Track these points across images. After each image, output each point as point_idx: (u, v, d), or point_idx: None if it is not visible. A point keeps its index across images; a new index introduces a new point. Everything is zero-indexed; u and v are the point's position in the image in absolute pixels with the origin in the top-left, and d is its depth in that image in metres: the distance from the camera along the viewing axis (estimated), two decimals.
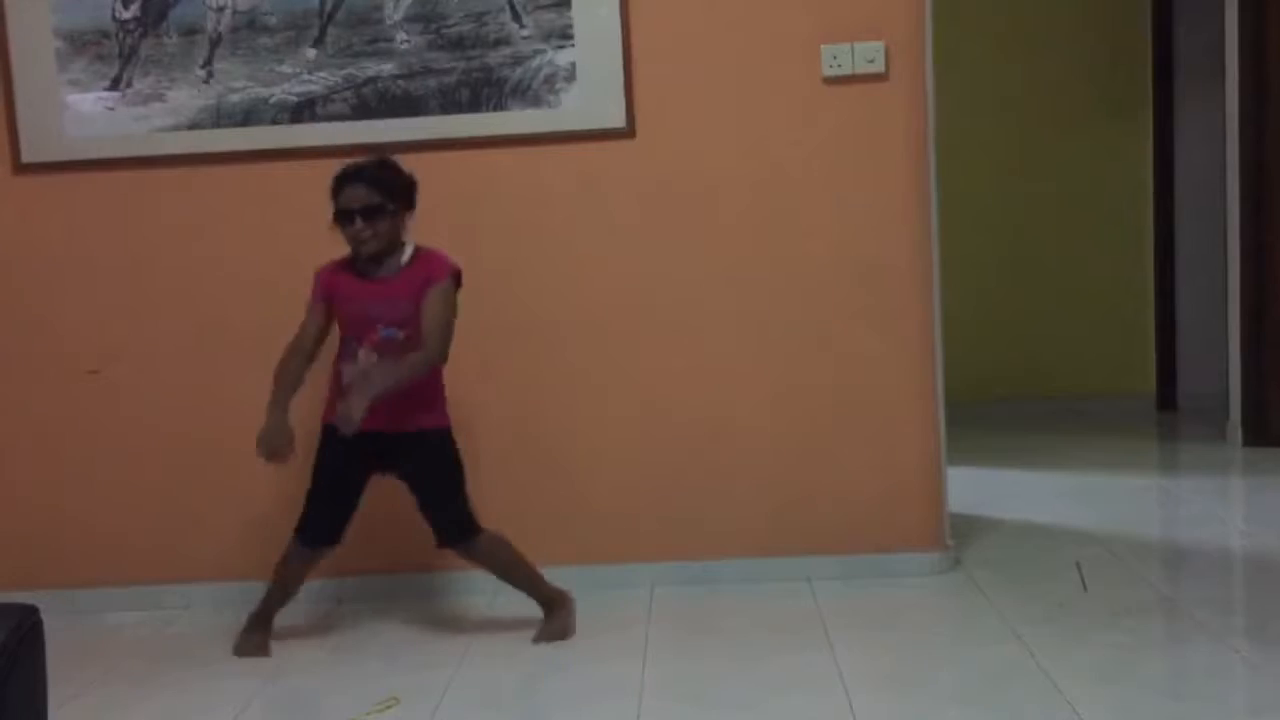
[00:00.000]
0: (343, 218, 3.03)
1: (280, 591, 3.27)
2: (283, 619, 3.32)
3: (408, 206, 3.09)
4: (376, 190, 3.02)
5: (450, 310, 3.09)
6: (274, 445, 3.05)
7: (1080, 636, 3.02)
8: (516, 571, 3.23)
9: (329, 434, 3.11)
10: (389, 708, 2.81)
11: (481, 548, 3.17)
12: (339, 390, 3.10)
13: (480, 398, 3.57)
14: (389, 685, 2.94)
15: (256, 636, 3.24)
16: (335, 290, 3.14)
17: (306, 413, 3.19)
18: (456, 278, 3.12)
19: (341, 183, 3.04)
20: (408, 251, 3.10)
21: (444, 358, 3.10)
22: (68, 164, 3.56)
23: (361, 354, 3.08)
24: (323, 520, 3.17)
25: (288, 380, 3.11)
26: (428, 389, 3.13)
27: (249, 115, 3.53)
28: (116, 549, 3.68)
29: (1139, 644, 2.98)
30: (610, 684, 2.87)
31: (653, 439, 3.59)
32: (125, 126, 3.55)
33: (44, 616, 1.72)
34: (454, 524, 3.15)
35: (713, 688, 2.83)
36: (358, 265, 3.11)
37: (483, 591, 3.52)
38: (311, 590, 3.61)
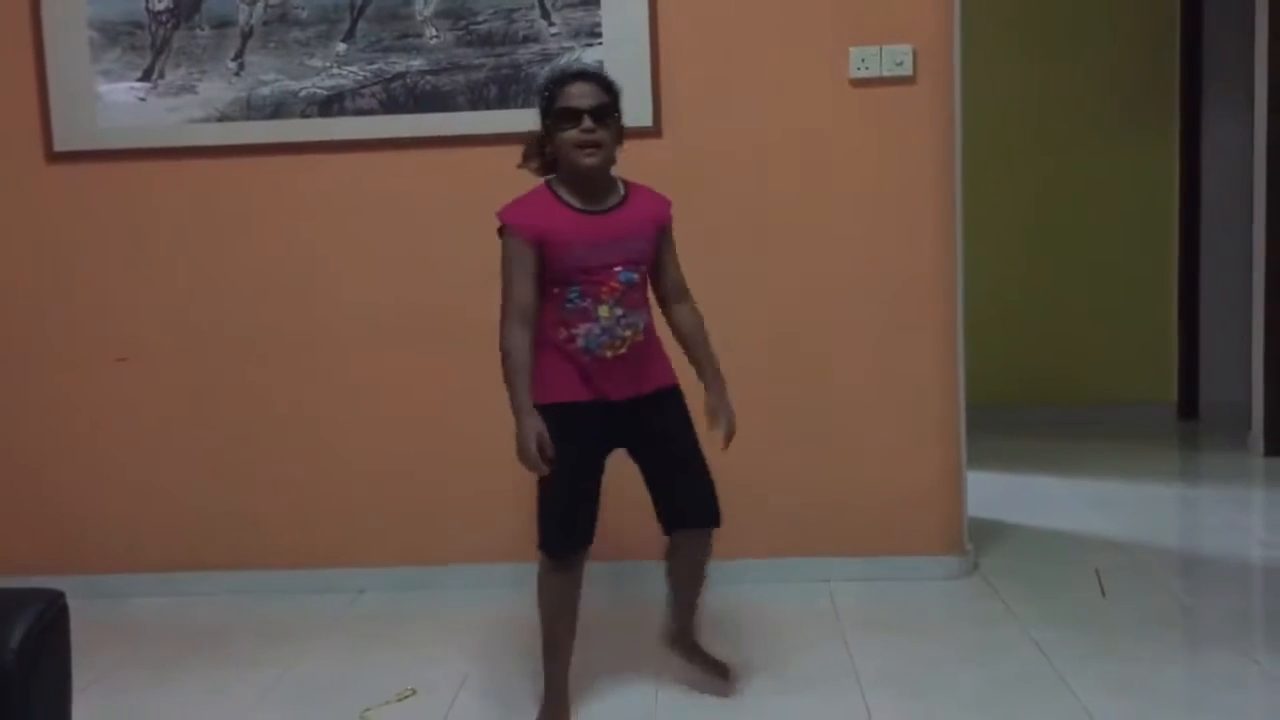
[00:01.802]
0: (564, 117, 2.48)
1: (567, 636, 2.64)
2: (305, 609, 3.34)
3: (622, 134, 2.59)
4: (608, 93, 2.53)
5: None
6: (541, 453, 2.46)
7: (1098, 644, 3.01)
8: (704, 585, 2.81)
9: (571, 416, 2.53)
10: (406, 698, 2.83)
11: (711, 538, 2.71)
12: (570, 364, 2.54)
13: (503, 400, 3.58)
14: (406, 677, 2.96)
15: (558, 713, 2.65)
16: (550, 228, 2.51)
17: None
18: None
19: (563, 80, 2.53)
20: (620, 185, 2.62)
21: None
22: (99, 153, 3.60)
23: (603, 310, 2.51)
24: (586, 516, 2.60)
25: (527, 365, 2.52)
26: (658, 339, 2.66)
27: (279, 108, 3.55)
28: (141, 536, 3.71)
29: (1157, 653, 2.97)
30: (627, 679, 2.88)
31: None
32: (156, 117, 3.58)
33: (69, 601, 1.74)
34: (711, 498, 2.65)
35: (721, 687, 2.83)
36: (565, 197, 2.55)
37: (501, 585, 3.54)
38: (332, 580, 3.65)
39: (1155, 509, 4.43)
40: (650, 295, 2.66)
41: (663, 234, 2.64)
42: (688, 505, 2.65)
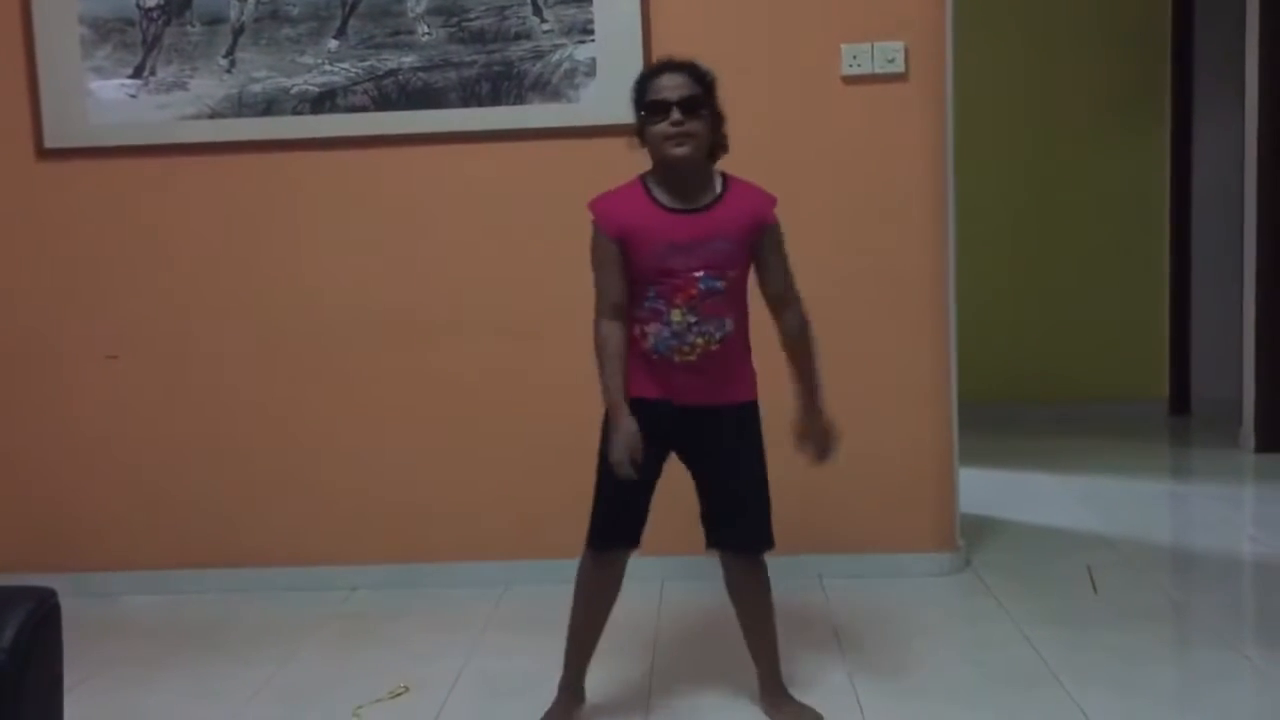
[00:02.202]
0: (653, 110, 2.42)
1: (592, 631, 2.64)
2: (297, 606, 3.34)
3: (719, 124, 2.51)
4: (699, 84, 2.45)
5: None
6: (635, 449, 2.41)
7: (1090, 640, 3.02)
8: (774, 622, 2.67)
9: (633, 412, 2.45)
10: (399, 695, 2.83)
11: (764, 571, 2.61)
12: (642, 360, 2.48)
13: (494, 397, 3.59)
14: (399, 674, 2.96)
15: (565, 712, 2.64)
16: (631, 224, 2.44)
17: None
18: None
19: (655, 73, 2.47)
20: (719, 180, 2.51)
21: None
22: (90, 150, 3.59)
23: (676, 315, 2.43)
24: (633, 515, 2.55)
25: (620, 356, 2.44)
26: (748, 349, 2.55)
27: (270, 105, 3.54)
28: (132, 534, 3.71)
29: (1149, 649, 2.98)
30: (618, 678, 2.88)
31: None
32: (147, 114, 3.57)
33: (60, 599, 1.74)
34: (751, 527, 2.56)
35: (721, 685, 2.84)
36: (655, 193, 2.47)
37: (494, 583, 3.54)
38: (325, 578, 3.64)
39: (1147, 505, 4.44)
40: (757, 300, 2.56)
41: (763, 234, 2.51)
42: (725, 528, 2.57)
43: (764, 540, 2.58)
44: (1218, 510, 4.36)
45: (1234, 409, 5.26)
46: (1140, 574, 3.57)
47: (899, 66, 3.45)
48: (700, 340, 2.44)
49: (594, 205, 2.48)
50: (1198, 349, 5.97)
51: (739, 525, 2.56)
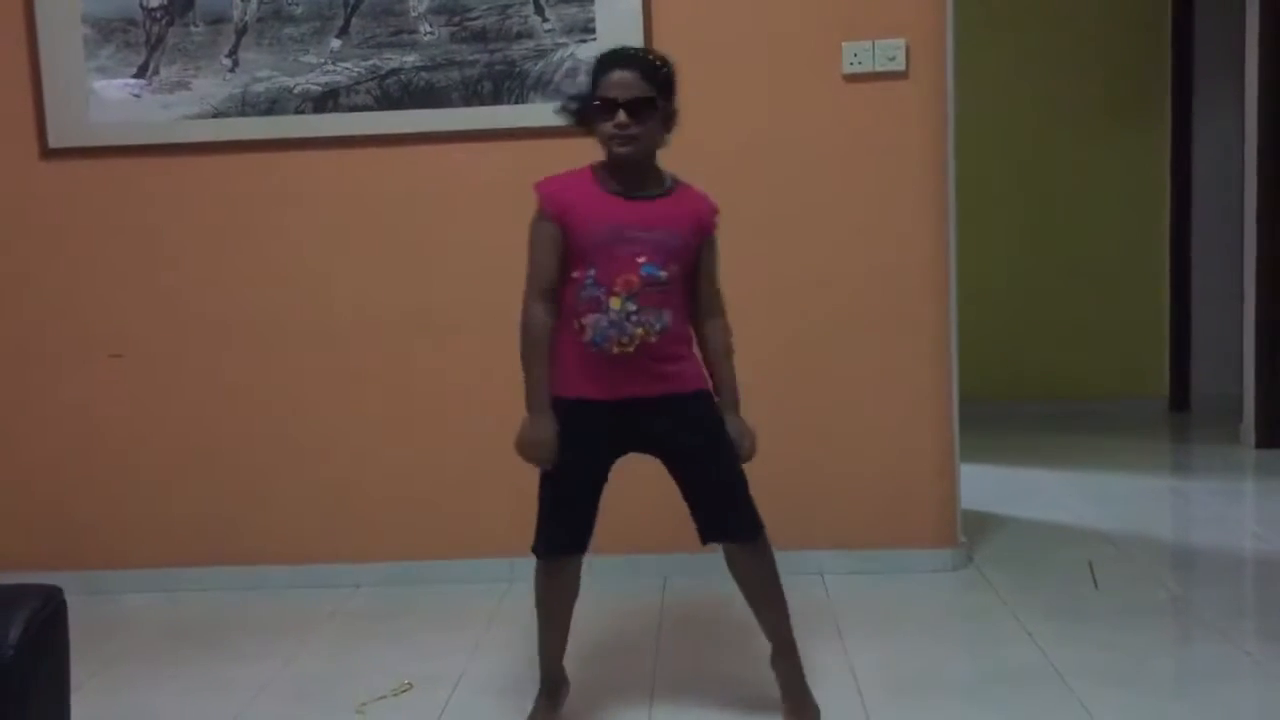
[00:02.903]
0: (600, 108, 2.40)
1: (557, 633, 2.61)
2: (301, 604, 3.34)
3: (670, 119, 2.48)
4: (650, 82, 2.40)
5: None
6: (546, 455, 2.44)
7: (1092, 636, 3.03)
8: (784, 598, 2.63)
9: (571, 413, 2.45)
10: (402, 693, 2.84)
11: (769, 551, 2.57)
12: (580, 357, 2.43)
13: (497, 395, 3.60)
14: (403, 671, 2.96)
15: (550, 704, 2.64)
16: (575, 208, 2.42)
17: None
18: None
19: (609, 64, 2.43)
20: (667, 179, 2.52)
21: None
22: (94, 150, 3.59)
23: (614, 303, 2.39)
24: (581, 519, 2.53)
25: (542, 344, 2.43)
26: (686, 347, 2.52)
27: (273, 105, 3.55)
28: (138, 532, 3.72)
29: (1150, 644, 2.99)
30: (622, 677, 2.89)
31: None
32: (151, 114, 3.58)
33: (67, 597, 1.75)
34: (743, 511, 2.53)
35: (723, 682, 2.85)
36: (602, 180, 2.46)
37: (497, 580, 3.55)
38: (329, 575, 3.66)
39: (1148, 501, 4.45)
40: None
41: (703, 239, 2.51)
42: (712, 517, 2.52)
43: (750, 526, 2.53)
44: (1218, 506, 4.37)
45: (1234, 405, 5.26)
46: (1141, 569, 3.58)
47: (900, 64, 3.46)
48: (639, 331, 2.40)
49: (539, 186, 2.47)
50: (1198, 345, 5.98)
51: (723, 517, 2.53)
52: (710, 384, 2.54)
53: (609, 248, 2.39)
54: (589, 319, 2.40)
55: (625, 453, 2.52)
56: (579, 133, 3.44)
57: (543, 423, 2.42)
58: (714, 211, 2.54)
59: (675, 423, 2.48)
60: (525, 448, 2.44)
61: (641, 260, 2.39)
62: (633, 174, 2.45)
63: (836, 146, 3.52)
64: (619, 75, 2.39)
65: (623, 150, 2.40)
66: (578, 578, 2.58)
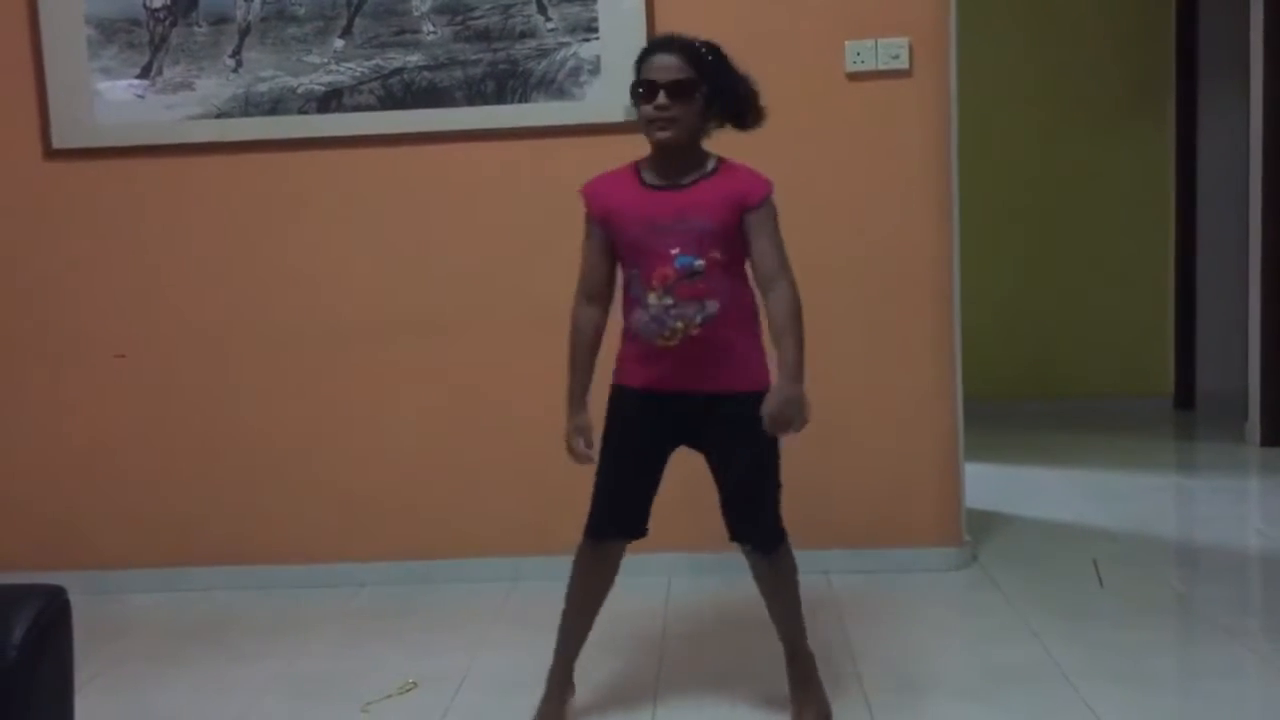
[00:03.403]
0: (641, 90, 2.41)
1: (580, 626, 2.61)
2: (306, 603, 3.34)
3: (723, 105, 2.46)
4: (692, 65, 2.40)
5: (781, 239, 2.46)
6: (579, 449, 2.52)
7: (1096, 634, 3.03)
8: (798, 607, 2.64)
9: (623, 399, 2.51)
10: (407, 691, 2.84)
11: (787, 561, 2.60)
12: (636, 349, 2.47)
13: (501, 395, 3.60)
14: (408, 670, 2.97)
15: (556, 704, 2.61)
16: (613, 204, 2.46)
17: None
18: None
19: (650, 51, 2.45)
20: (711, 162, 2.48)
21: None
22: (97, 150, 3.60)
23: (652, 298, 2.39)
24: (627, 504, 2.54)
25: (585, 356, 2.52)
26: (750, 335, 2.49)
27: (277, 105, 3.56)
28: (142, 531, 3.72)
29: (1155, 642, 2.99)
30: (625, 675, 2.89)
31: None
32: (154, 114, 3.58)
33: (70, 597, 1.75)
34: (761, 523, 2.54)
35: (727, 681, 2.85)
36: (643, 173, 2.48)
37: (502, 579, 3.55)
38: (333, 574, 3.66)
39: (1152, 499, 4.44)
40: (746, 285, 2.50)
41: (747, 214, 2.43)
42: (732, 521, 2.53)
43: (769, 538, 2.55)
44: (1223, 504, 4.36)
45: (1239, 403, 5.26)
46: (1146, 568, 3.57)
47: (903, 63, 3.46)
48: (679, 324, 2.39)
49: (583, 189, 2.52)
50: (1203, 343, 5.98)
51: (745, 524, 2.54)
52: (769, 381, 2.49)
53: (644, 243, 2.41)
54: (634, 315, 2.44)
55: (677, 445, 2.53)
56: (584, 131, 3.49)
57: (575, 419, 2.52)
58: (759, 185, 2.46)
59: (715, 424, 2.49)
60: (567, 442, 2.54)
61: (675, 252, 2.38)
62: (673, 160, 2.44)
63: (839, 145, 3.52)
64: (660, 59, 2.41)
65: (662, 135, 2.40)
66: (615, 568, 2.58)
